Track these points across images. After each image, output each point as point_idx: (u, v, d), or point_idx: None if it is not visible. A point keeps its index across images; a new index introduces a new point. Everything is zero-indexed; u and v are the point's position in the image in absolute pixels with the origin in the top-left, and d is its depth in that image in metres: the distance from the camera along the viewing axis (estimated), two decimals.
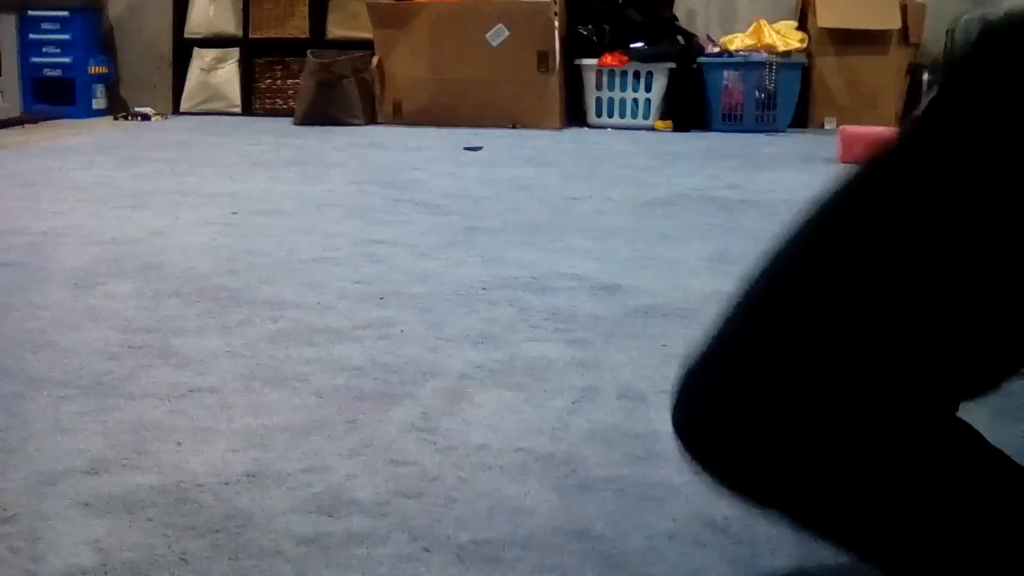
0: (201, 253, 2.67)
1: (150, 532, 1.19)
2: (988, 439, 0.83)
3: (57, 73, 6.48)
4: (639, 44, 5.93)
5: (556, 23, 5.84)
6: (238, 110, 6.60)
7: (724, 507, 1.27)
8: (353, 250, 2.73)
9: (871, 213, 0.92)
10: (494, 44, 5.91)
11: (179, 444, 1.45)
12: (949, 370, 0.81)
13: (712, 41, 6.07)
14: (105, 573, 1.10)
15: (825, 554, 1.18)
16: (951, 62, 0.95)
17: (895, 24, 5.88)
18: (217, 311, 2.14)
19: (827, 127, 5.95)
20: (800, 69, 5.89)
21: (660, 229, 3.08)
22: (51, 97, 6.47)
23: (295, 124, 6.02)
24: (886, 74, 5.97)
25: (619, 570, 1.12)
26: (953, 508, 0.80)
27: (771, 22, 5.98)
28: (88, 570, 1.11)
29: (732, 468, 0.90)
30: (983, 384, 0.83)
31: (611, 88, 6.01)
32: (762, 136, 5.71)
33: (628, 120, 6.02)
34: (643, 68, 5.95)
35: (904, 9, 5.91)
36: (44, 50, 6.48)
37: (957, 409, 0.83)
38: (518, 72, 5.89)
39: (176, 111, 6.64)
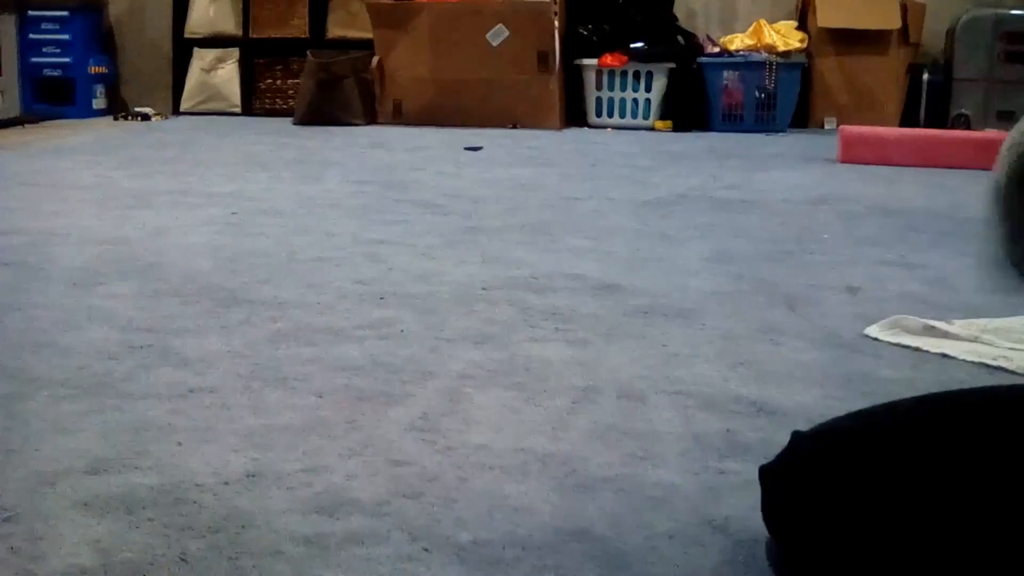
0: (201, 253, 2.67)
1: (150, 532, 1.19)
2: None
3: (57, 73, 6.48)
4: (639, 44, 5.93)
5: (556, 23, 5.84)
6: (238, 110, 6.60)
7: (724, 507, 1.27)
8: (353, 250, 2.73)
9: None
10: (494, 44, 5.91)
11: (179, 444, 1.45)
12: None
13: (712, 41, 6.07)
14: (105, 573, 1.10)
15: None
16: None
17: (895, 24, 5.88)
18: (217, 311, 2.14)
19: (827, 127, 5.95)
20: (800, 69, 5.89)
21: (660, 229, 3.08)
22: (51, 97, 6.47)
23: (295, 124, 6.02)
24: (886, 74, 5.97)
25: (619, 570, 1.12)
26: None
27: (771, 22, 5.98)
28: (88, 570, 1.11)
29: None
30: None
31: (611, 88, 6.01)
32: (762, 136, 5.71)
33: (628, 120, 6.02)
34: (643, 68, 5.96)
35: (904, 9, 5.91)
36: (44, 50, 6.48)
37: None
38: (518, 72, 5.89)
39: (176, 111, 6.65)
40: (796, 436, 1.11)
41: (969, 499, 0.92)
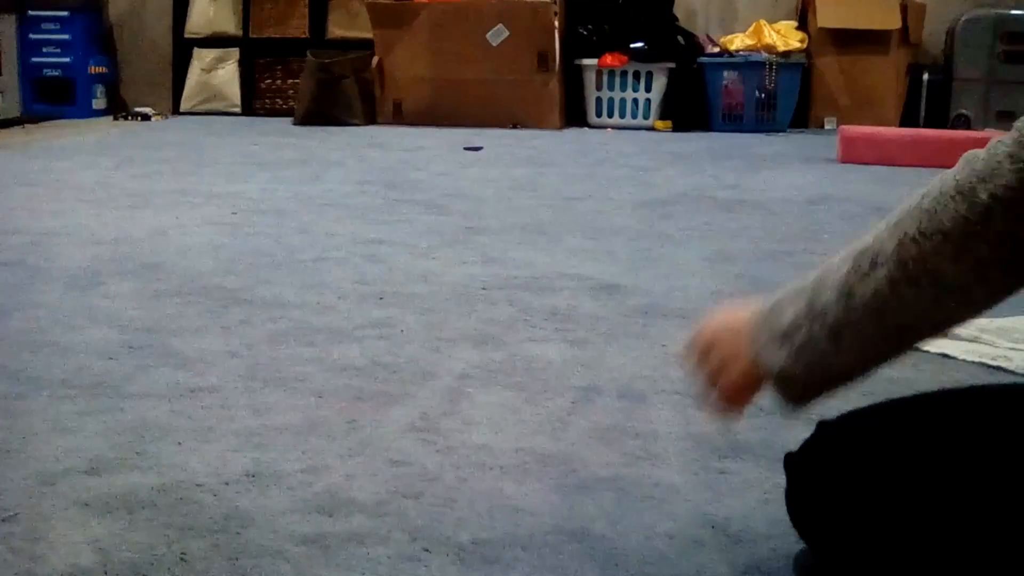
0: (201, 253, 2.67)
1: (150, 532, 1.19)
2: None
3: (57, 73, 6.48)
4: (639, 44, 5.93)
5: (556, 23, 5.84)
6: (238, 110, 6.60)
7: (724, 507, 1.27)
8: (353, 250, 2.73)
9: None
10: (494, 44, 5.91)
11: (179, 444, 1.45)
12: None
13: (712, 41, 6.07)
14: (105, 573, 1.10)
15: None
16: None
17: (895, 24, 5.88)
18: (217, 311, 2.14)
19: (827, 127, 5.95)
20: (800, 69, 5.89)
21: (660, 229, 3.08)
22: (51, 97, 6.47)
23: (295, 124, 6.02)
24: (886, 74, 5.97)
25: (619, 570, 1.12)
26: None
27: (771, 22, 5.98)
28: (88, 570, 1.11)
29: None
30: None
31: (611, 88, 6.01)
32: (762, 136, 5.71)
33: (628, 120, 6.02)
34: (643, 68, 5.96)
35: (904, 9, 5.91)
36: (44, 50, 6.48)
37: None
38: (518, 72, 5.89)
39: (176, 111, 6.65)
40: (822, 424, 1.08)
41: (997, 490, 0.91)
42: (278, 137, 5.41)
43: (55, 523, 1.21)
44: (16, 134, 5.60)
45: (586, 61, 6.00)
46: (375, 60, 6.10)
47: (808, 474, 1.04)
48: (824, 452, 1.03)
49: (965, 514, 0.91)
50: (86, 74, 6.51)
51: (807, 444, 1.07)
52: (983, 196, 0.82)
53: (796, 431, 1.54)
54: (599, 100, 6.04)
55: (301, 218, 3.20)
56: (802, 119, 6.05)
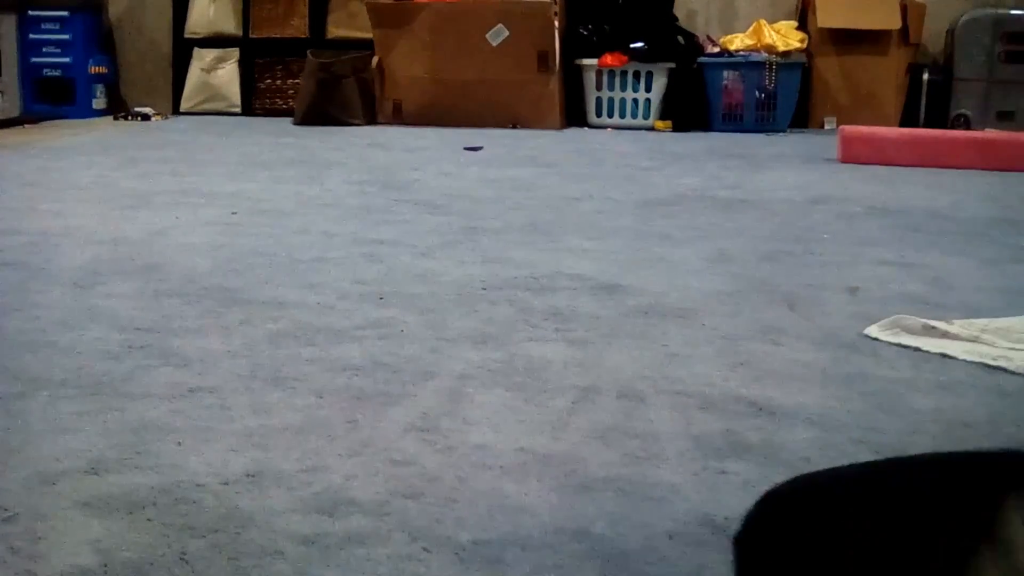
0: (201, 253, 2.67)
1: (150, 532, 1.19)
2: None
3: (57, 73, 6.48)
4: (639, 44, 5.93)
5: (556, 23, 5.84)
6: (238, 110, 6.60)
7: (724, 507, 1.27)
8: (353, 250, 2.73)
9: None
10: (494, 44, 5.91)
11: (179, 444, 1.45)
12: None
13: (712, 41, 6.07)
14: (105, 573, 1.10)
15: None
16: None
17: (895, 24, 5.88)
18: (217, 311, 2.14)
19: (827, 127, 5.95)
20: (800, 69, 5.89)
21: (660, 229, 3.08)
22: (51, 97, 6.47)
23: (295, 124, 6.02)
24: (886, 74, 5.97)
25: (619, 570, 1.12)
26: None
27: (771, 22, 5.98)
28: (88, 570, 1.11)
29: None
30: None
31: (611, 88, 6.01)
32: (762, 136, 5.71)
33: (628, 120, 6.02)
34: (643, 68, 5.95)
35: (904, 9, 5.91)
36: (44, 50, 6.48)
37: None
38: (518, 72, 5.89)
39: (176, 111, 6.64)
40: (770, 497, 0.99)
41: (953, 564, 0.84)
42: (278, 137, 5.41)
43: (55, 523, 1.21)
44: (16, 134, 5.60)
45: (586, 61, 5.99)
46: (375, 60, 6.10)
47: (760, 556, 0.95)
48: (774, 530, 0.91)
49: None
50: (86, 74, 6.51)
51: (755, 520, 0.95)
52: None
53: (796, 431, 1.55)
54: (599, 100, 6.04)
55: (301, 218, 3.20)
56: (802, 119, 6.05)
